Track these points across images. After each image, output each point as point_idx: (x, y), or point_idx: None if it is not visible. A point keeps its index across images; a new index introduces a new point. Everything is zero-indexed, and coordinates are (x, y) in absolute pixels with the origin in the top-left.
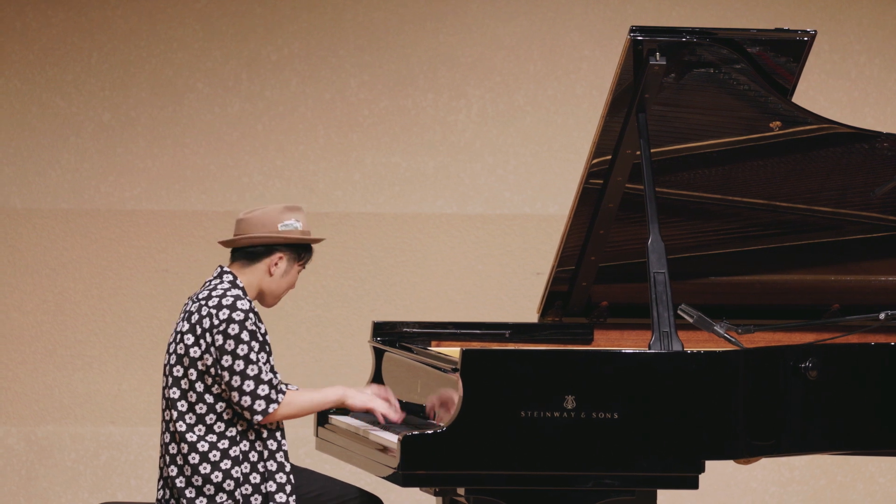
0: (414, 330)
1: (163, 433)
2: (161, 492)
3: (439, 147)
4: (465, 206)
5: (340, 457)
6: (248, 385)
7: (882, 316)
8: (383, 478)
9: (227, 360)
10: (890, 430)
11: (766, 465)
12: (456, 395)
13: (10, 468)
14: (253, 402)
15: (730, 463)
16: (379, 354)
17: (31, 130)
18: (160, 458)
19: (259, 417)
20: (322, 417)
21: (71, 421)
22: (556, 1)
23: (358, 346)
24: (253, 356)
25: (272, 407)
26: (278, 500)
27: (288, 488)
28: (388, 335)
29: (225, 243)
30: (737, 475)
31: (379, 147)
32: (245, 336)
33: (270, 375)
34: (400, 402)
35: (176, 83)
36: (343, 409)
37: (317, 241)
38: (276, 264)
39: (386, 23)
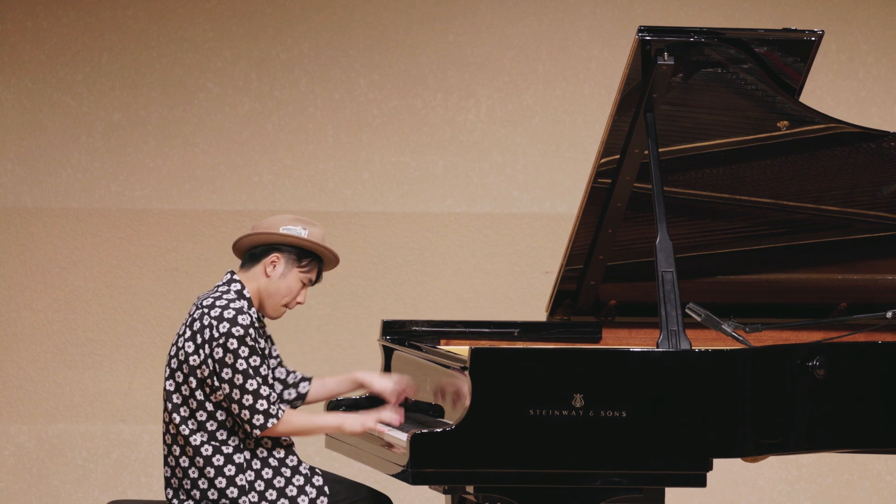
0: (423, 328)
1: (164, 434)
2: (168, 491)
3: (448, 146)
4: (474, 206)
5: (350, 455)
6: (247, 399)
7: (889, 314)
8: (393, 476)
9: (226, 373)
10: None
11: (773, 463)
12: (464, 390)
13: (22, 466)
14: (252, 416)
15: (737, 461)
16: (388, 353)
17: (42, 130)
18: (164, 460)
19: (258, 431)
20: None
21: (81, 419)
22: (565, 1)
23: (367, 344)
24: (251, 371)
25: (270, 422)
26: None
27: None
28: (397, 334)
29: (234, 244)
30: (744, 473)
31: (388, 146)
32: (244, 351)
33: (269, 391)
34: (408, 400)
35: (186, 83)
36: (352, 407)
37: (317, 247)
38: (272, 263)
39: (395, 23)
